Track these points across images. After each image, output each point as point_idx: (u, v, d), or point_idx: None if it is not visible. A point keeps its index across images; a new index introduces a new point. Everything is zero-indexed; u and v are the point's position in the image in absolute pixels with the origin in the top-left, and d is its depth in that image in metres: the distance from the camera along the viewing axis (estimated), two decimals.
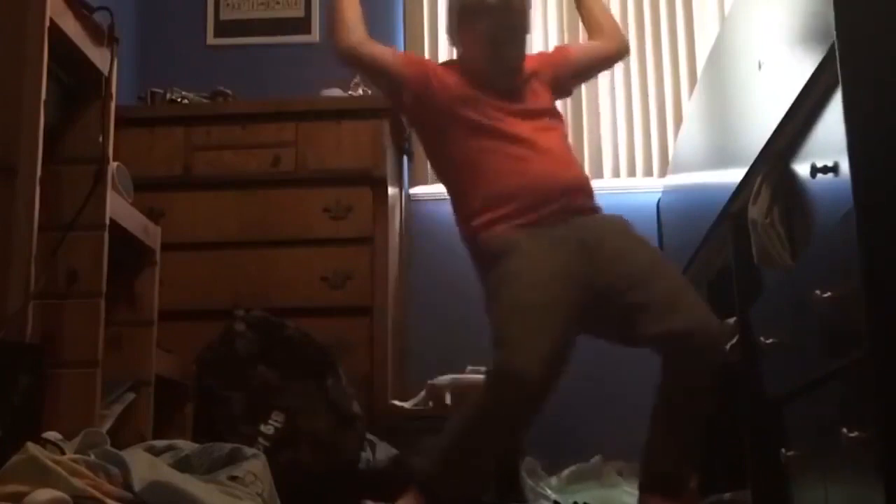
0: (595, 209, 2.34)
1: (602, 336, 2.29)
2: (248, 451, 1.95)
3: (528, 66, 2.45)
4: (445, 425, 2.14)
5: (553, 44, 3.94)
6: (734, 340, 2.50)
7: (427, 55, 3.92)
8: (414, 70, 2.40)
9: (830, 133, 1.73)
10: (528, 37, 2.44)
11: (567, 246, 2.17)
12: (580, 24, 3.93)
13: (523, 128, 2.29)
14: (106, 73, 2.33)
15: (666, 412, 2.13)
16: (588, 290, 2.14)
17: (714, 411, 2.15)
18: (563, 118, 2.50)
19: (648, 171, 3.82)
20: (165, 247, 2.86)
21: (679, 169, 3.30)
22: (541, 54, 2.65)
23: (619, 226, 2.28)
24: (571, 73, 2.56)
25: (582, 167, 2.41)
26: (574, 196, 2.27)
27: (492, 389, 2.01)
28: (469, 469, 2.08)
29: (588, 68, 2.62)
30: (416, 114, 2.44)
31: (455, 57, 2.63)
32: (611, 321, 2.20)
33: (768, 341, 2.08)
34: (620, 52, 2.65)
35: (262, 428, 2.53)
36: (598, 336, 2.28)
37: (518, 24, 2.39)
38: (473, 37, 2.40)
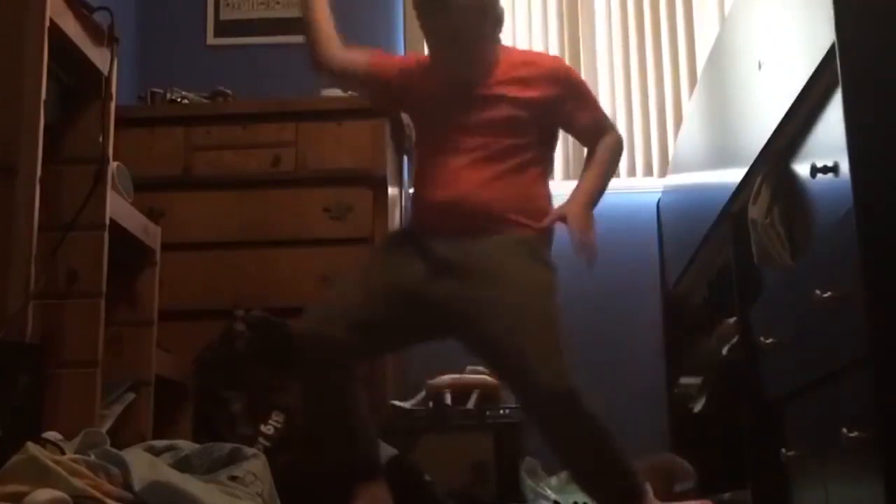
0: (492, 231, 2.16)
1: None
2: (248, 451, 1.94)
3: (517, 69, 2.26)
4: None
5: (553, 43, 3.94)
6: (734, 340, 2.50)
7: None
8: (388, 66, 2.37)
9: (830, 133, 1.73)
10: (482, 38, 2.22)
11: (426, 259, 2.15)
12: (579, 24, 3.95)
13: (458, 141, 2.21)
14: (106, 73, 2.33)
15: (563, 458, 2.15)
16: (429, 301, 2.12)
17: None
18: (531, 129, 2.25)
19: (648, 171, 3.82)
20: (165, 247, 2.85)
21: (679, 169, 3.30)
22: (552, 66, 2.33)
23: (508, 252, 2.14)
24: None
25: (499, 190, 2.17)
26: (460, 219, 2.16)
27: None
28: (332, 429, 2.19)
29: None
30: (403, 103, 2.47)
31: None
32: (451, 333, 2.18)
33: (768, 341, 2.08)
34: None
35: (262, 428, 2.53)
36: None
37: (462, 25, 2.17)
38: (424, 35, 2.29)
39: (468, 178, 2.17)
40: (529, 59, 2.36)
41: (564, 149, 3.78)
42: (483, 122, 2.21)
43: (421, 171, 2.31)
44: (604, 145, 2.26)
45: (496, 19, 2.26)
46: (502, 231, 2.15)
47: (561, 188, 3.89)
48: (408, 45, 3.96)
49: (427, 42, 2.30)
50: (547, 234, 2.22)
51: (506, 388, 2.13)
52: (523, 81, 2.23)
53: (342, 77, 2.44)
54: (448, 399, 3.03)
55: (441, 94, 2.27)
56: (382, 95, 2.47)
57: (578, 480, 2.15)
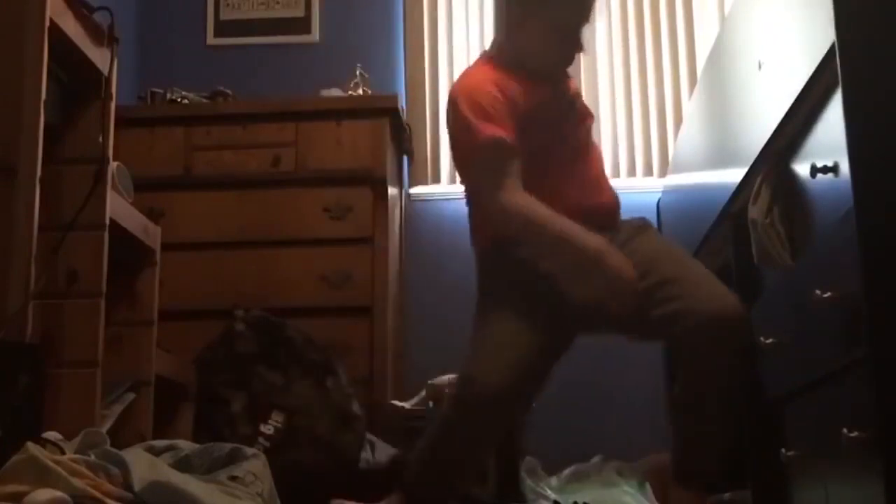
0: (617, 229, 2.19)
1: (617, 332, 2.20)
2: (248, 451, 1.95)
3: None
4: (426, 431, 2.19)
5: None
6: None
7: (427, 56, 3.92)
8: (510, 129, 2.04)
9: (830, 133, 1.73)
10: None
11: None
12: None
13: (578, 134, 2.21)
14: (106, 73, 2.33)
15: (688, 403, 2.02)
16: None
17: (740, 398, 2.06)
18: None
19: (648, 171, 3.82)
20: (165, 247, 2.86)
21: (679, 169, 3.30)
22: None
23: (635, 229, 2.18)
24: None
25: (609, 188, 2.25)
26: (598, 218, 2.12)
27: (455, 402, 2.08)
28: (446, 474, 2.13)
29: None
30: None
31: (487, 52, 2.25)
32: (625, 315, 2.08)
33: (768, 341, 2.08)
34: None
35: (262, 428, 2.53)
36: (611, 333, 2.21)
37: (591, 8, 2.15)
38: (539, 26, 2.11)
39: (593, 183, 2.20)
40: None
41: None
42: (587, 131, 2.24)
43: (543, 180, 2.10)
44: None
45: None
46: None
47: None
48: (408, 45, 3.96)
49: (533, 38, 2.11)
50: None
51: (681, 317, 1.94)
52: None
53: None
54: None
55: (556, 104, 2.18)
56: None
57: (684, 423, 2.04)
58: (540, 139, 2.09)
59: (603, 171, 2.29)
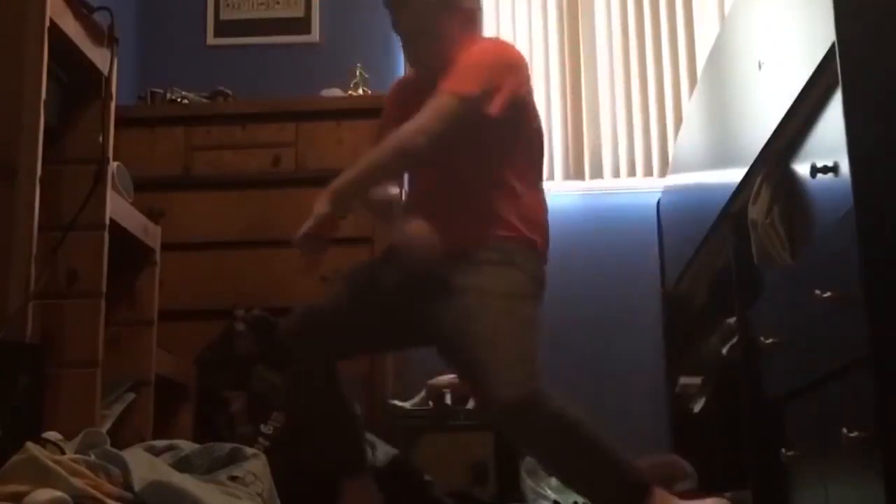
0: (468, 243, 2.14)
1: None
2: (248, 451, 1.94)
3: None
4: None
5: (553, 43, 3.95)
6: (734, 340, 2.50)
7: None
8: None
9: (830, 133, 1.73)
10: (448, 34, 2.19)
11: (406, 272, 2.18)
12: (579, 24, 3.95)
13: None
14: (106, 73, 2.33)
15: (543, 466, 2.18)
16: (405, 309, 2.17)
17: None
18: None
19: (648, 171, 3.82)
20: (165, 247, 2.85)
21: (679, 169, 3.30)
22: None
23: (477, 261, 2.11)
24: None
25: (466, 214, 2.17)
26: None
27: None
28: (316, 424, 2.26)
29: None
30: None
31: None
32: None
33: (768, 341, 2.08)
34: None
35: (262, 428, 2.53)
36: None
37: (410, 21, 2.22)
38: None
39: (436, 198, 2.20)
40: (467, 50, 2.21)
41: (564, 149, 3.78)
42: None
43: (409, 186, 2.39)
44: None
45: (465, 14, 2.24)
46: (479, 243, 2.13)
47: (561, 188, 3.89)
48: None
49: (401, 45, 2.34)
50: (528, 241, 2.15)
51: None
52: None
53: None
54: (448, 399, 3.03)
55: (414, 101, 2.17)
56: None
57: (569, 485, 2.14)
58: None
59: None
